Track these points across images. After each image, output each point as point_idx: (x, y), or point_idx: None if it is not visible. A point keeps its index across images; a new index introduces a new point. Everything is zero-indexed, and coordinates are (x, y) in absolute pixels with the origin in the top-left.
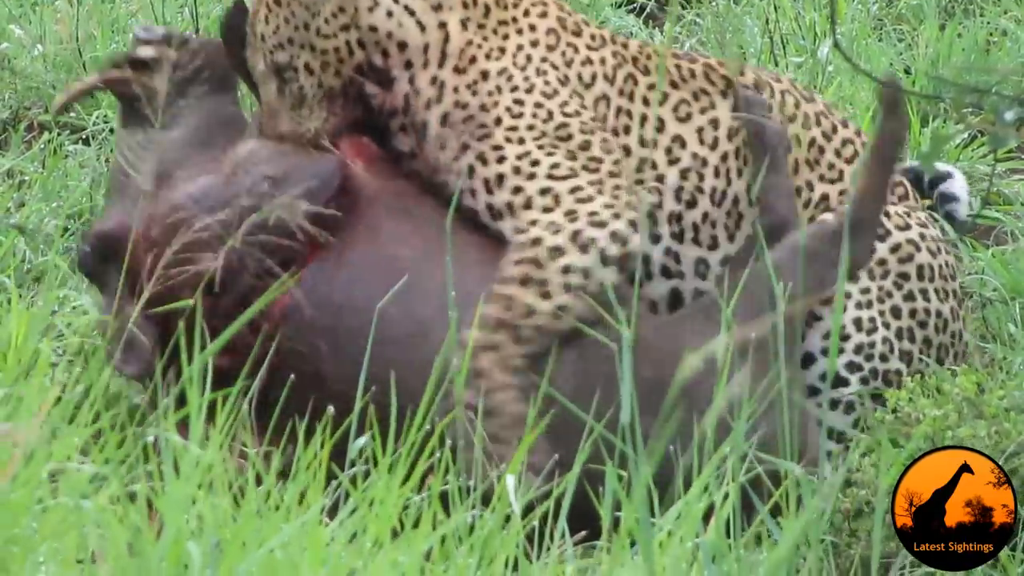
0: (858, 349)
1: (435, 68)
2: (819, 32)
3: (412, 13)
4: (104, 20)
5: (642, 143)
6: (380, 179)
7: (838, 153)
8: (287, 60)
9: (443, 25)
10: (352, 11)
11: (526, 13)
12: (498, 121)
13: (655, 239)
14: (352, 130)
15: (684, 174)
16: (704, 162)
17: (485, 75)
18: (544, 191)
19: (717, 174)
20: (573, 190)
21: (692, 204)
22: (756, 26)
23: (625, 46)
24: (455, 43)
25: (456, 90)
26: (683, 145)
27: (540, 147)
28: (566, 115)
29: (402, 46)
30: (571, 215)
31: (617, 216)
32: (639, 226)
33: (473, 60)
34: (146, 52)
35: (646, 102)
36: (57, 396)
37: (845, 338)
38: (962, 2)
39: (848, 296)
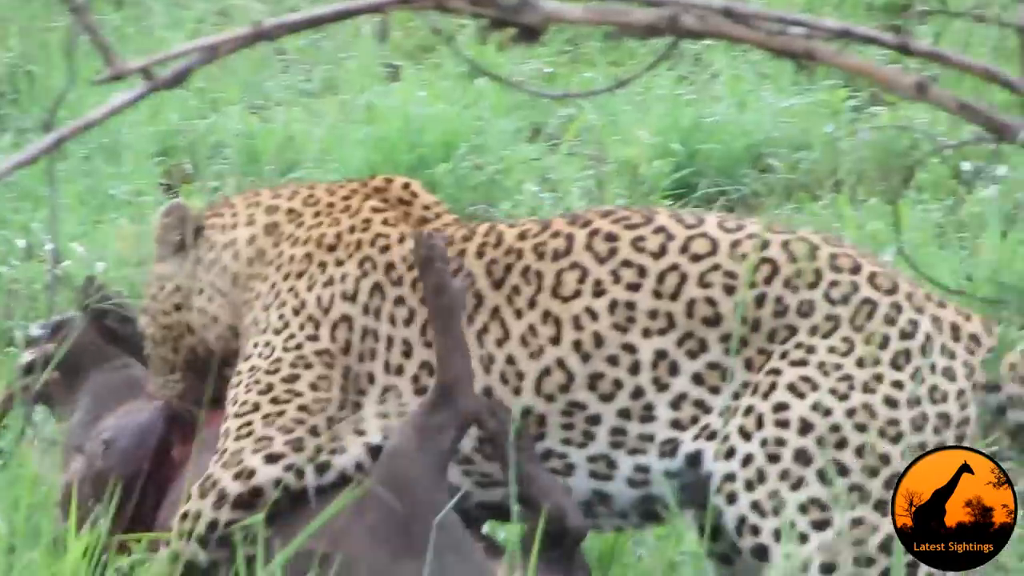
0: None
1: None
2: (882, 240)
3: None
4: None
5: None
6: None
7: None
8: (143, 326)
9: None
10: (186, 292)
11: (282, 250)
12: (238, 370)
13: None
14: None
15: None
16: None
17: (247, 329)
18: (225, 431)
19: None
20: (240, 427)
21: None
22: None
23: (386, 248)
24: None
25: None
26: (431, 372)
27: (246, 386)
28: (285, 349)
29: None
30: (221, 455)
31: (258, 451)
32: (298, 458)
33: (245, 316)
34: (25, 359)
35: (392, 320)
36: None
37: None
38: None
39: None
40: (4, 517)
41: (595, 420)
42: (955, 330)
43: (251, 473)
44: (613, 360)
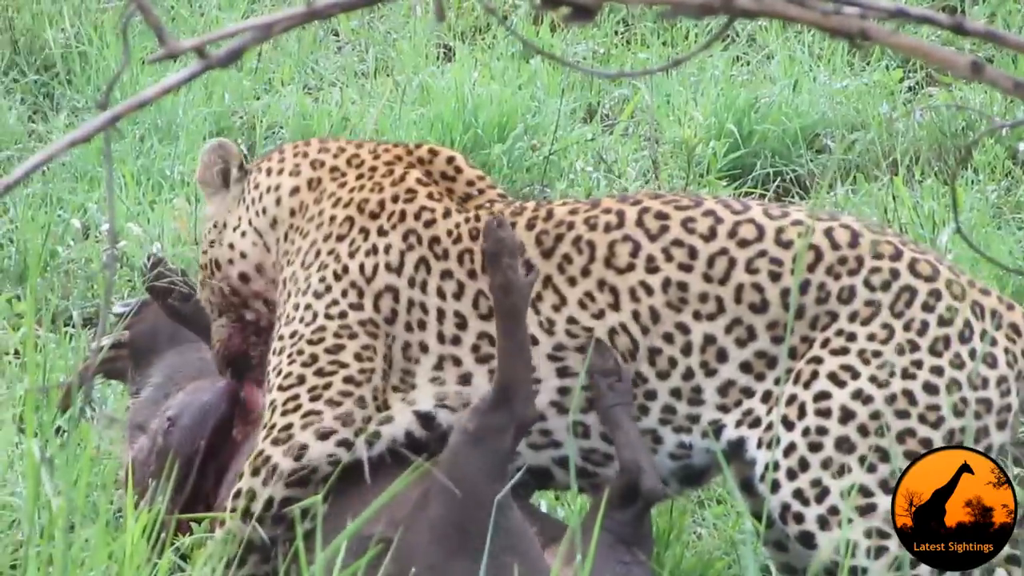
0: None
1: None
2: (938, 221)
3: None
4: None
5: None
6: None
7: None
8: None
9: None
10: (221, 229)
11: (323, 208)
12: (280, 334)
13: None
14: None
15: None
16: None
17: (284, 282)
18: (272, 404)
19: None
20: (287, 401)
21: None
22: (875, 215)
23: (431, 223)
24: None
25: (279, 303)
26: (492, 343)
27: (290, 356)
28: (328, 316)
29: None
30: (270, 431)
31: (308, 426)
32: (346, 433)
33: (284, 268)
34: (105, 341)
35: (441, 294)
36: None
37: None
38: None
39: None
40: (63, 495)
41: (652, 395)
42: (996, 318)
43: (303, 448)
44: (668, 337)
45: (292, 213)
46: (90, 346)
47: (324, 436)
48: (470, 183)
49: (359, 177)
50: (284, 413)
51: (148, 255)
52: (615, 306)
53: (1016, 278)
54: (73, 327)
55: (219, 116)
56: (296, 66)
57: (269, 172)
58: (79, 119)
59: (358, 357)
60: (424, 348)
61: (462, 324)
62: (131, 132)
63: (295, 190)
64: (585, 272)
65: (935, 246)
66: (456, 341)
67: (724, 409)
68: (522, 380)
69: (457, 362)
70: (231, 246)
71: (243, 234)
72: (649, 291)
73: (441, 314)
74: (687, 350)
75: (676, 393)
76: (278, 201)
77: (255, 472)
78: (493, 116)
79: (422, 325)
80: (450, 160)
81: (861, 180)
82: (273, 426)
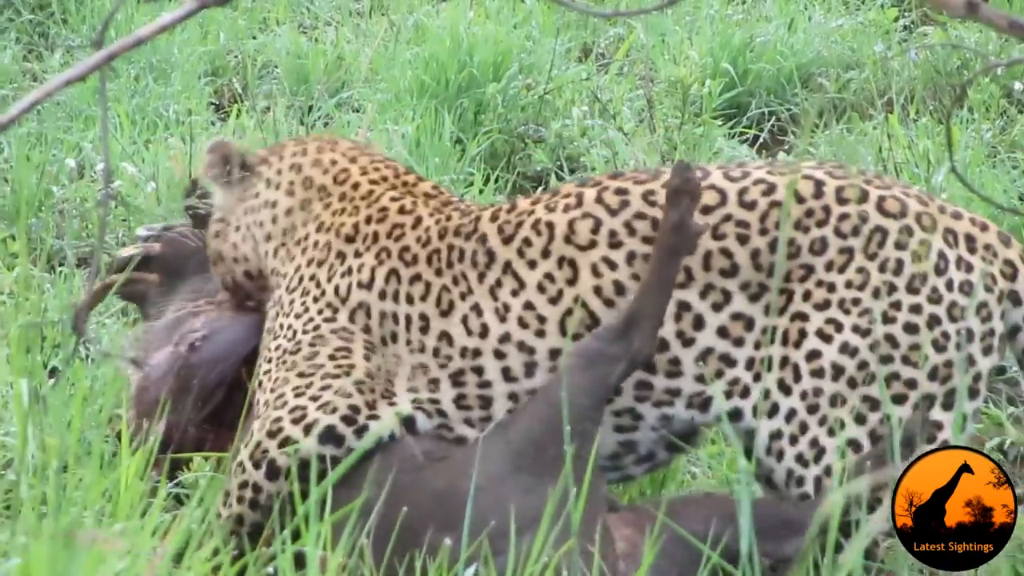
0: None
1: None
2: (932, 160)
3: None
4: None
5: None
6: None
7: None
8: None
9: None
10: (226, 224)
11: (308, 232)
12: (267, 346)
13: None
14: None
15: (457, 379)
16: (477, 353)
17: (273, 302)
18: (265, 403)
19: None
20: (275, 400)
21: (486, 404)
22: (870, 154)
23: (400, 236)
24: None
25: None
26: (450, 342)
27: (277, 365)
28: (305, 332)
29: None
30: (262, 425)
31: (298, 420)
32: (326, 427)
33: (275, 288)
34: (129, 251)
35: (409, 299)
36: (179, 530)
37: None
38: None
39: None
40: (56, 434)
41: None
42: (970, 241)
43: (295, 443)
44: None
45: (284, 232)
46: (85, 282)
47: (308, 428)
48: (458, 199)
49: (341, 198)
50: (275, 408)
51: (191, 179)
52: (573, 281)
53: (1011, 217)
54: (67, 267)
55: (214, 55)
56: (291, 5)
57: (268, 182)
58: (74, 58)
59: (332, 357)
60: (398, 359)
61: (425, 327)
62: (126, 71)
63: (289, 211)
64: (545, 253)
65: (930, 185)
66: (422, 348)
67: (702, 380)
68: (652, 316)
69: (425, 369)
70: (234, 246)
71: (243, 239)
72: (612, 266)
73: (408, 320)
74: None
75: (650, 367)
76: (274, 219)
77: (256, 464)
78: (488, 55)
79: (394, 337)
80: (435, 186)
81: (856, 119)
82: (267, 418)
